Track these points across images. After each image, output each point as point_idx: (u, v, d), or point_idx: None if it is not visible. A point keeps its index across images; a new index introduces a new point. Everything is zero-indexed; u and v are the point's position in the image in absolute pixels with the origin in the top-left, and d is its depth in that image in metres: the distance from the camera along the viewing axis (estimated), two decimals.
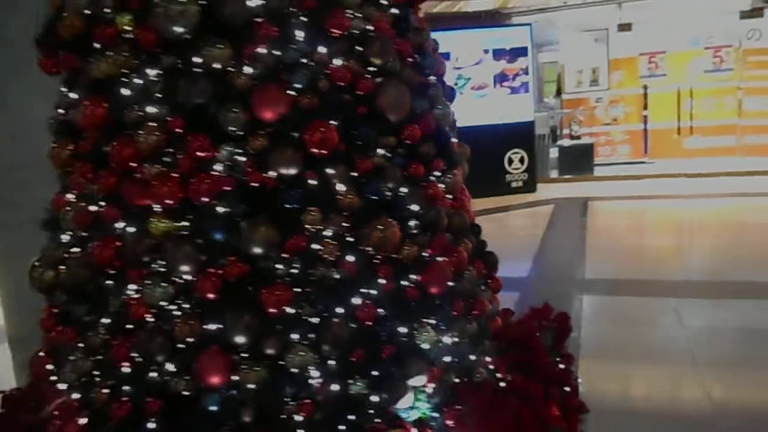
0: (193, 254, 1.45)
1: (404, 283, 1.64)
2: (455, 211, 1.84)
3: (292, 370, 1.47)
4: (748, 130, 10.80)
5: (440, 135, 1.79)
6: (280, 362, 1.47)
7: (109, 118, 1.53)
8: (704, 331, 3.95)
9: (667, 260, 5.91)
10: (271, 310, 1.45)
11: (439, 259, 1.70)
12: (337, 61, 1.55)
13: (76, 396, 1.58)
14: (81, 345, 1.60)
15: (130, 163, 1.50)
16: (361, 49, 1.60)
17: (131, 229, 1.52)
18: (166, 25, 1.42)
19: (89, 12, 1.52)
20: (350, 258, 1.55)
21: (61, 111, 1.74)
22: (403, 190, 1.65)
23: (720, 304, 4.39)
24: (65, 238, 1.69)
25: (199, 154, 1.44)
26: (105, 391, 1.53)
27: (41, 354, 1.77)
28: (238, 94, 1.45)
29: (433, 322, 1.66)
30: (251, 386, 1.45)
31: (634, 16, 9.97)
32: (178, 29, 1.43)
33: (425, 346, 1.62)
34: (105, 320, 1.56)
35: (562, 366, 2.00)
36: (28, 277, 1.71)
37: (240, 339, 1.44)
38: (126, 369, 1.51)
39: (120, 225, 1.54)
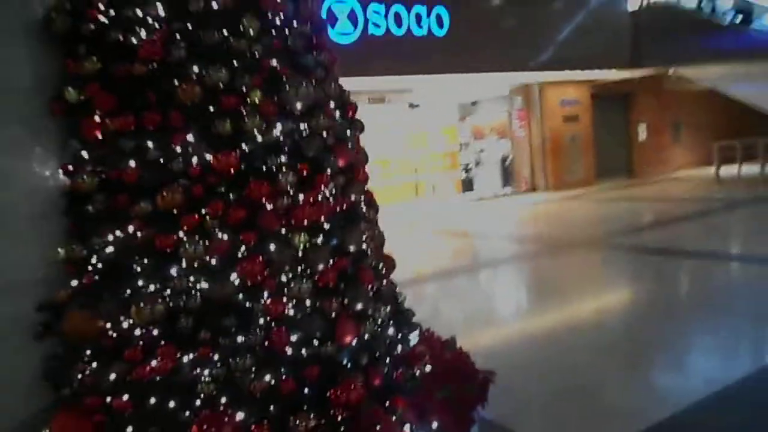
0: (328, 256, 2.10)
1: None
2: None
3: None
4: None
5: None
6: None
7: (239, 166, 1.99)
8: None
9: None
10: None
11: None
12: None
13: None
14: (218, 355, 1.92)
15: (263, 199, 2.01)
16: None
17: (272, 247, 2.01)
18: (293, 101, 2.07)
19: (221, 84, 1.95)
20: None
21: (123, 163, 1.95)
22: None
23: None
24: (173, 271, 1.92)
25: (323, 187, 2.12)
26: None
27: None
28: (331, 149, 2.21)
29: None
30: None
31: None
32: (300, 104, 2.09)
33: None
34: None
35: None
36: (136, 316, 1.84)
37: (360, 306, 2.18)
38: (289, 351, 1.98)
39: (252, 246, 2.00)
